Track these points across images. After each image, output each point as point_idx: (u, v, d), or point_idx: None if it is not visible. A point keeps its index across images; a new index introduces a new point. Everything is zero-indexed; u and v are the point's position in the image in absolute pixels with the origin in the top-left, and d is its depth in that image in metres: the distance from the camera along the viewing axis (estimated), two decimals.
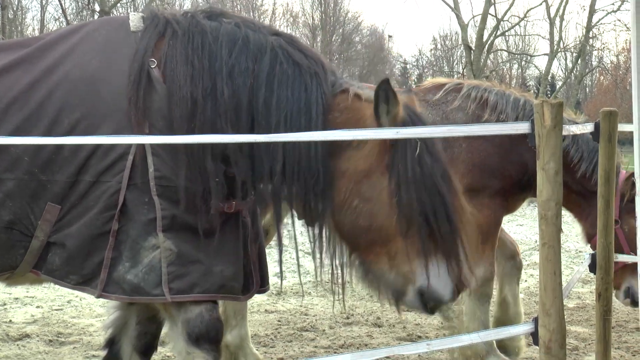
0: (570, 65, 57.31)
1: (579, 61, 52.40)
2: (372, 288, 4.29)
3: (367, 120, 4.17)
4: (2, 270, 4.23)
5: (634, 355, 7.35)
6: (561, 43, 53.28)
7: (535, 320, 4.02)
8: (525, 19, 52.37)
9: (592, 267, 5.42)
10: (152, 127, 4.11)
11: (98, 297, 4.16)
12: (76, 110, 4.13)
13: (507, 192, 6.67)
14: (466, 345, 6.21)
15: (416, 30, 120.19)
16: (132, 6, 46.44)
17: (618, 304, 7.30)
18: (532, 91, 39.18)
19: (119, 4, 41.23)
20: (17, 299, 9.71)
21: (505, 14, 50.62)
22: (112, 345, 4.80)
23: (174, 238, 4.07)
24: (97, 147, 4.07)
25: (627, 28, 45.18)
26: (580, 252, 13.41)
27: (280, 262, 4.35)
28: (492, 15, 50.03)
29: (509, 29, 53.79)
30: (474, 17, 50.98)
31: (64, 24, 42.06)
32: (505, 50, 59.52)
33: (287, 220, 4.42)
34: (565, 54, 58.00)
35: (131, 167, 4.07)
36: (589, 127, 5.34)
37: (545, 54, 54.05)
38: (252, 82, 4.19)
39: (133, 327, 4.75)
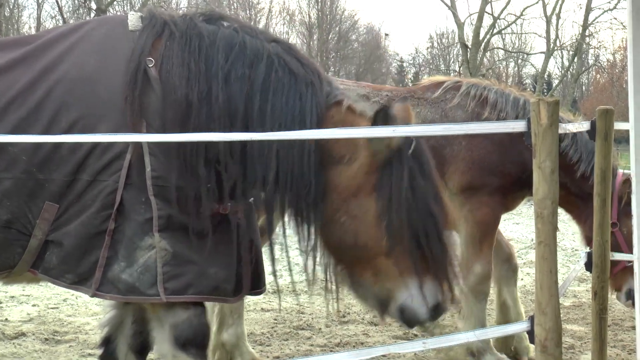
0: (566, 63, 57.45)
1: (576, 59, 52.51)
2: (357, 297, 4.34)
3: None
4: (1, 269, 4.23)
5: (629, 354, 7.35)
6: (557, 41, 53.47)
7: (531, 318, 4.02)
8: (521, 17, 52.48)
9: (588, 266, 5.43)
10: (149, 126, 4.10)
11: (92, 296, 4.14)
12: (74, 109, 4.12)
13: (506, 190, 6.67)
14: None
15: (413, 28, 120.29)
16: (128, 4, 46.45)
17: (614, 302, 7.31)
18: (528, 89, 39.24)
19: (115, 2, 41.23)
20: (13, 297, 9.71)
21: (501, 12, 50.79)
22: (108, 344, 4.79)
23: (169, 238, 4.06)
24: (95, 146, 4.06)
25: (624, 26, 45.20)
26: (576, 250, 13.42)
27: (273, 260, 4.35)
28: (489, 14, 50.17)
29: (506, 27, 53.89)
30: (470, 15, 51.17)
31: (61, 22, 42.07)
32: (501, 49, 59.64)
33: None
34: (561, 52, 58.19)
35: (128, 166, 4.05)
36: (585, 126, 5.34)
37: (541, 52, 54.20)
38: (248, 89, 4.18)
39: (129, 326, 4.74)
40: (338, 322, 8.60)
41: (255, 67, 4.22)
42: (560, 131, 4.02)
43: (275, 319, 8.70)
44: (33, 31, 43.37)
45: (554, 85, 59.74)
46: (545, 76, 58.05)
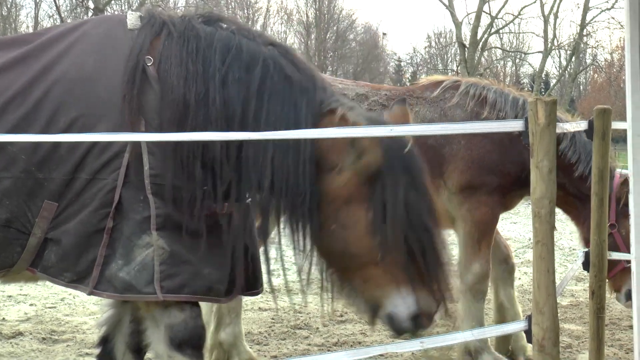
0: (564, 62, 57.50)
1: (573, 59, 52.55)
2: (348, 302, 4.36)
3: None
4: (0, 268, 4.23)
5: (627, 353, 7.35)
6: (555, 41, 53.48)
7: (529, 318, 4.02)
8: (519, 16, 52.49)
9: (586, 265, 5.43)
10: (148, 124, 4.10)
11: (89, 294, 4.14)
12: (72, 109, 4.12)
13: (505, 189, 6.68)
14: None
15: (410, 27, 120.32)
16: (125, 3, 46.44)
17: (611, 301, 7.31)
18: (526, 89, 39.27)
19: (112, 2, 41.20)
20: (10, 296, 9.71)
21: (499, 11, 50.79)
22: (105, 343, 4.79)
23: (167, 237, 4.06)
24: (94, 144, 4.06)
25: (621, 26, 45.25)
26: (573, 249, 13.42)
27: (267, 261, 4.35)
28: (487, 13, 50.19)
29: (503, 27, 53.88)
30: (468, 14, 51.24)
31: (58, 21, 42.04)
32: (499, 48, 59.66)
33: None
34: (559, 51, 58.22)
35: (127, 165, 4.06)
36: (582, 125, 5.34)
37: (539, 52, 54.25)
38: (245, 94, 4.18)
39: (127, 325, 4.74)
40: (335, 321, 8.60)
41: (251, 71, 4.22)
42: (558, 130, 4.02)
43: (272, 318, 8.70)
44: (30, 31, 43.26)
45: (551, 84, 59.71)
46: (543, 76, 58.09)
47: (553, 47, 53.74)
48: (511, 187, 6.64)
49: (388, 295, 4.13)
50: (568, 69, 54.67)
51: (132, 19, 4.37)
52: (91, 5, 41.44)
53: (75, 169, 4.08)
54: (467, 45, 48.84)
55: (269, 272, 4.34)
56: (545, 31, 51.35)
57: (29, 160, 4.06)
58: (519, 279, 11.00)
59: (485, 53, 54.75)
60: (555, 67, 63.72)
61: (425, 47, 70.78)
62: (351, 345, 7.65)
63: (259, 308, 9.15)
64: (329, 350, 7.38)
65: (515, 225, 17.48)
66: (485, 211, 6.62)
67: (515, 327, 4.59)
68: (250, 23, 54.30)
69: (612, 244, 6.38)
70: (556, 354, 3.91)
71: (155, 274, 4.03)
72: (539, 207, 3.92)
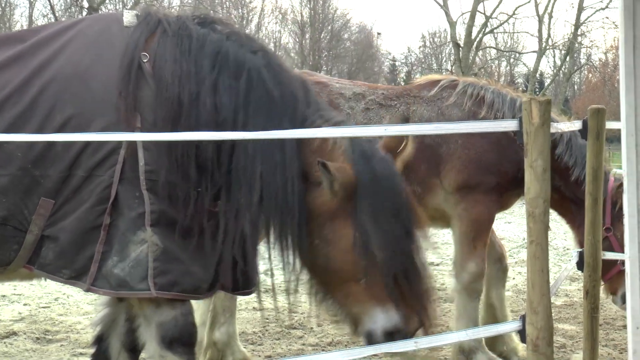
0: (558, 62, 57.58)
1: (568, 59, 52.58)
2: (330, 314, 4.45)
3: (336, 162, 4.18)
4: None
5: (621, 353, 7.36)
6: (550, 40, 53.55)
7: (523, 317, 4.02)
8: (513, 16, 52.50)
9: (580, 265, 5.44)
10: (144, 120, 4.13)
11: (87, 290, 4.17)
12: (68, 106, 4.14)
13: (502, 189, 6.68)
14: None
15: (405, 27, 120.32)
16: (120, 3, 46.36)
17: (605, 301, 7.32)
18: (520, 88, 39.29)
19: (107, 1, 41.14)
20: (4, 296, 9.69)
21: (493, 11, 50.83)
22: (100, 342, 4.79)
23: (160, 233, 4.08)
24: (90, 142, 4.07)
25: (616, 26, 45.26)
26: (568, 249, 13.42)
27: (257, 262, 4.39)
28: (481, 13, 50.22)
29: (498, 27, 53.89)
30: (462, 14, 51.24)
31: (53, 20, 41.92)
32: (493, 48, 59.74)
33: None
34: (553, 51, 58.31)
35: (123, 161, 4.08)
36: (577, 125, 5.34)
37: (533, 52, 54.27)
38: (235, 102, 4.21)
39: (122, 324, 4.74)
40: (330, 321, 8.56)
41: (238, 80, 4.25)
42: (552, 130, 4.02)
43: (267, 318, 8.69)
44: None
45: (546, 84, 59.80)
46: (537, 75, 58.14)
47: (547, 47, 53.82)
48: (508, 186, 6.64)
49: (367, 312, 4.21)
50: (562, 69, 54.71)
51: (129, 17, 4.41)
52: (85, 4, 41.39)
53: (72, 166, 4.10)
54: (462, 45, 48.89)
55: (257, 271, 4.39)
56: (540, 31, 51.42)
57: (25, 157, 4.08)
58: (513, 278, 11.01)
59: (480, 53, 54.82)
60: (550, 67, 63.95)
61: (420, 47, 70.95)
62: (345, 345, 7.64)
63: (253, 308, 9.14)
64: (323, 350, 7.37)
65: (510, 225, 17.50)
66: (482, 210, 6.63)
67: (510, 327, 4.59)
68: (244, 22, 54.28)
69: (607, 248, 6.39)
70: (550, 353, 3.91)
71: (149, 270, 4.05)
72: (533, 207, 3.92)
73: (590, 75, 63.72)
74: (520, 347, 7.08)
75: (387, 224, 4.14)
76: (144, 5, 4.85)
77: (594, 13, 52.49)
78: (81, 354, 7.19)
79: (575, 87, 70.05)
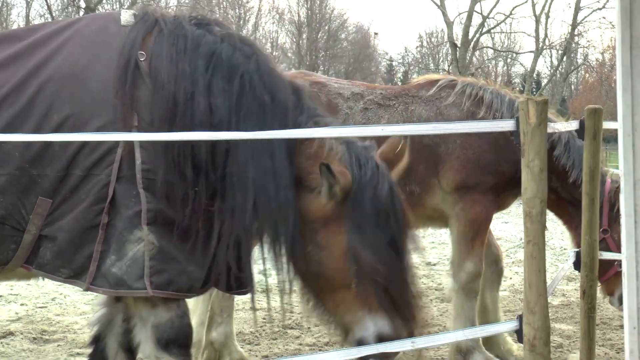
0: (555, 62, 57.60)
1: (564, 59, 52.65)
2: (321, 321, 4.47)
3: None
4: None
5: (618, 353, 7.36)
6: (546, 40, 53.59)
7: (520, 317, 4.02)
8: (510, 16, 52.57)
9: (577, 265, 5.43)
10: (140, 119, 4.14)
11: (86, 289, 4.17)
12: (66, 105, 4.14)
13: (500, 189, 6.68)
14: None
15: (402, 27, 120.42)
16: (117, 2, 46.36)
17: (602, 301, 7.32)
18: (517, 89, 39.31)
19: (104, 0, 41.12)
20: (1, 296, 9.68)
21: (490, 11, 50.87)
22: (97, 342, 4.78)
23: (156, 232, 4.08)
24: (87, 141, 4.07)
25: (613, 26, 45.37)
26: (564, 249, 13.43)
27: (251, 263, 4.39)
28: (478, 13, 50.26)
29: (495, 27, 53.98)
30: (459, 14, 51.38)
31: (50, 20, 41.89)
32: (490, 48, 59.79)
33: None
34: (550, 51, 58.34)
35: (120, 159, 4.08)
36: (574, 125, 5.35)
37: (530, 52, 54.38)
38: (229, 105, 4.21)
39: (119, 324, 4.73)
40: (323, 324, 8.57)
41: (231, 84, 4.25)
42: (549, 130, 4.02)
43: (263, 318, 8.68)
44: None
45: (542, 84, 59.87)
46: (534, 75, 58.20)
47: (544, 47, 53.88)
48: (506, 186, 6.64)
49: (358, 320, 4.22)
50: (559, 69, 54.80)
51: (126, 16, 4.41)
52: (82, 4, 41.38)
53: (69, 165, 4.10)
54: (459, 45, 48.92)
55: (252, 275, 4.40)
56: (537, 31, 51.47)
57: (23, 157, 4.08)
58: (510, 278, 11.02)
59: (477, 53, 54.88)
60: (547, 67, 63.95)
61: (417, 47, 70.98)
62: (342, 345, 7.64)
63: (250, 308, 9.12)
64: (320, 350, 7.38)
65: (507, 225, 17.50)
66: (480, 210, 6.63)
67: (507, 326, 4.59)
68: (242, 22, 54.31)
69: (604, 249, 6.39)
70: (547, 353, 3.92)
71: (145, 269, 4.06)
72: (530, 207, 3.93)
73: (587, 75, 63.77)
74: (515, 348, 7.09)
75: (377, 231, 4.15)
76: (141, 5, 4.86)
77: (591, 13, 52.81)
78: (78, 354, 7.18)
79: (572, 87, 70.12)
